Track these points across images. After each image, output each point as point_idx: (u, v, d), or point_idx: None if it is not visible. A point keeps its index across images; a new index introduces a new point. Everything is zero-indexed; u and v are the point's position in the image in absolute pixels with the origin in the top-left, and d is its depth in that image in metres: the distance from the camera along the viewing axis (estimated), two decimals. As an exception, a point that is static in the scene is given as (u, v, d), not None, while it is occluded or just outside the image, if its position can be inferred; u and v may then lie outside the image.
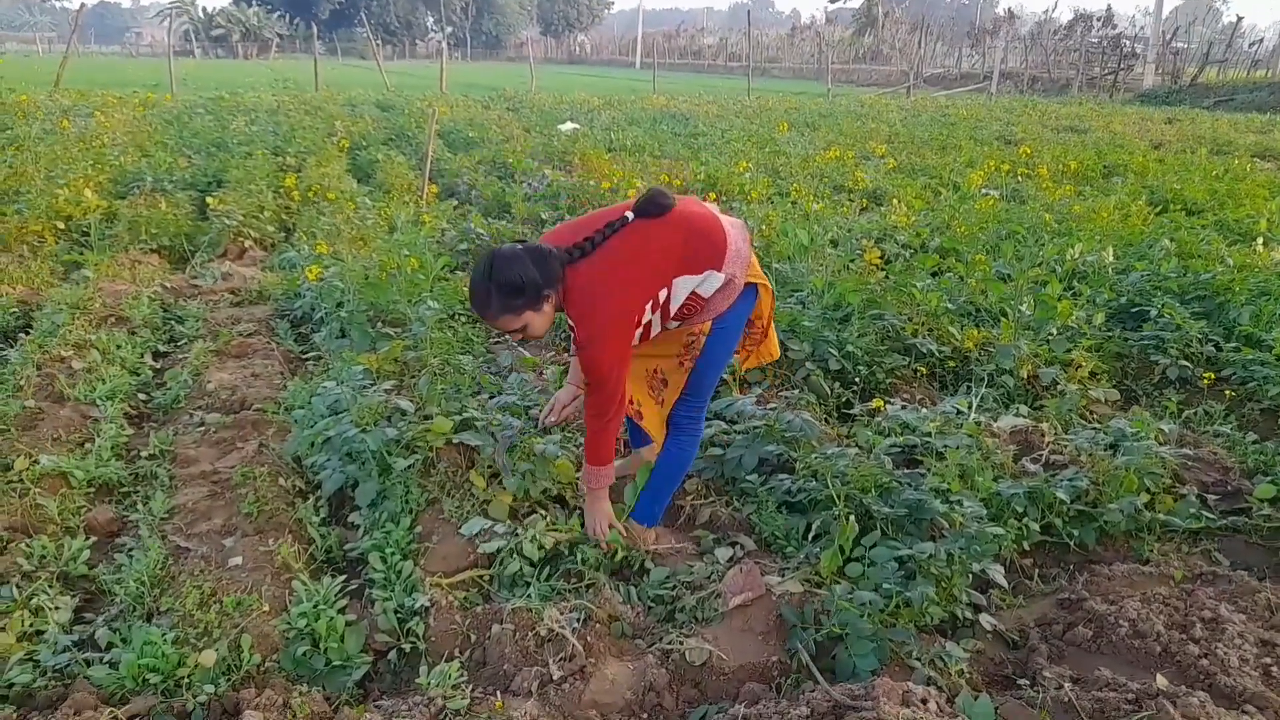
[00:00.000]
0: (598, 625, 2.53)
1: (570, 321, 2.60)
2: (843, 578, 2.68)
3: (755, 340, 2.99)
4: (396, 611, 2.63)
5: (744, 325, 2.87)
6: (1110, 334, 4.82)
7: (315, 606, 2.57)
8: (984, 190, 8.97)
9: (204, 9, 69.90)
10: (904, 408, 3.78)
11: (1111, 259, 5.84)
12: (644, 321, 2.62)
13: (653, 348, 2.87)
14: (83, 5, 26.73)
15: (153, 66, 33.06)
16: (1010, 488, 3.02)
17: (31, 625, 2.55)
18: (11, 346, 4.74)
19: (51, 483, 3.27)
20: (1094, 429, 3.65)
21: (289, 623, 2.53)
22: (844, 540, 2.68)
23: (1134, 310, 5.15)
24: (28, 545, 2.87)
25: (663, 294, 2.61)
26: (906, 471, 3.19)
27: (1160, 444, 3.38)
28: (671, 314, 2.68)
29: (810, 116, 18.16)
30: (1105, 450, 3.35)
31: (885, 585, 2.54)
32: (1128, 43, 35.59)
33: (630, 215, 2.59)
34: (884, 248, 6.43)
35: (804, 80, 42.86)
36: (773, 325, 3.00)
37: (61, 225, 6.86)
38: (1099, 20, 38.22)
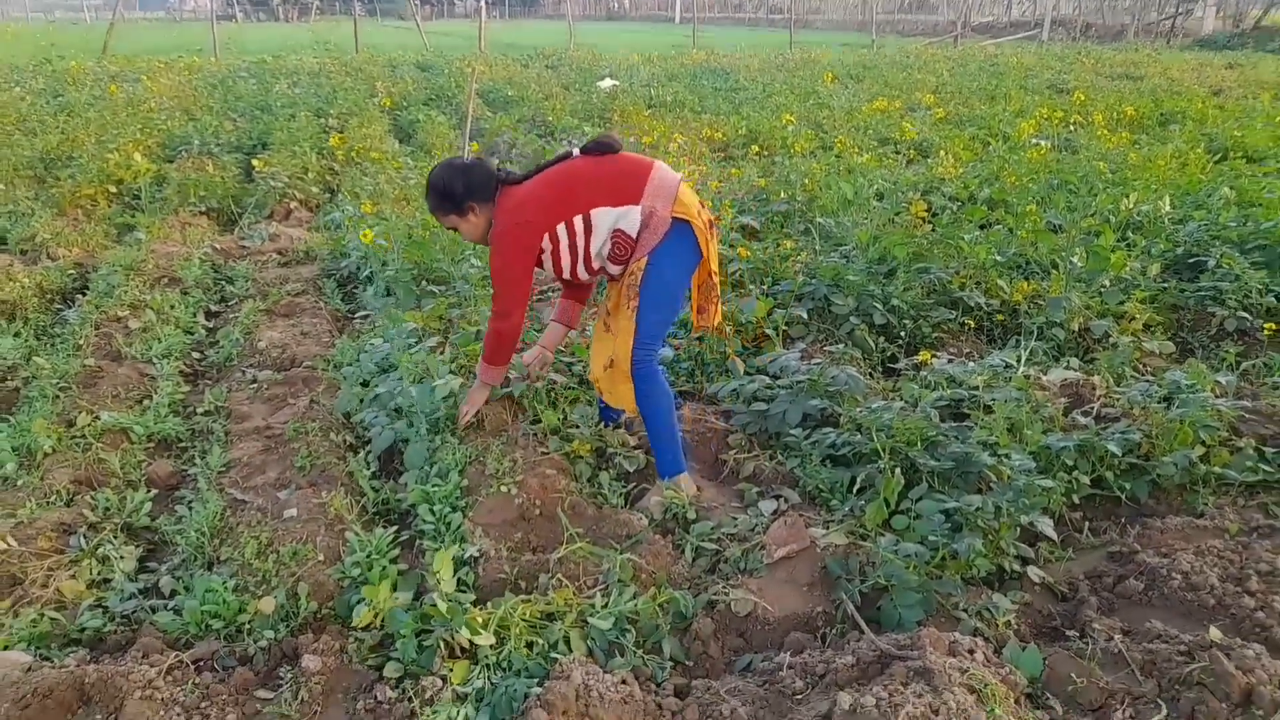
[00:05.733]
0: (643, 576, 2.56)
1: None
2: (888, 530, 2.68)
3: (707, 295, 3.01)
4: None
5: (687, 267, 2.88)
6: (1166, 285, 4.68)
7: (368, 556, 2.64)
8: (1035, 140, 8.72)
9: (244, -28, 70.03)
10: (950, 362, 3.73)
11: (1168, 208, 5.66)
12: (559, 248, 2.82)
13: (610, 301, 3.01)
14: (126, -29, 26.93)
15: (197, 31, 33.30)
16: (1060, 441, 2.98)
17: (99, 573, 2.65)
18: (70, 307, 4.89)
19: (113, 438, 3.38)
20: (1148, 381, 3.57)
21: (343, 571, 2.60)
22: (889, 493, 2.67)
23: (1191, 261, 5.00)
24: (93, 498, 2.98)
25: (578, 222, 2.78)
26: (953, 425, 3.15)
27: (1216, 396, 3.30)
28: (594, 250, 2.84)
29: (855, 68, 17.74)
30: (1159, 403, 3.28)
31: (931, 538, 2.54)
32: (1188, -15, 34.06)
33: (575, 152, 2.87)
34: (930, 200, 6.31)
35: (848, 32, 41.79)
36: (718, 285, 3.03)
37: (113, 189, 7.01)
38: (1158, -38, 36.56)
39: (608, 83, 14.47)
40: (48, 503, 2.91)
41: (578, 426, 3.39)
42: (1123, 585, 2.51)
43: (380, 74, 15.58)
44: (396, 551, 2.76)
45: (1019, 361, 3.77)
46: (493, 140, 9.57)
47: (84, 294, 5.00)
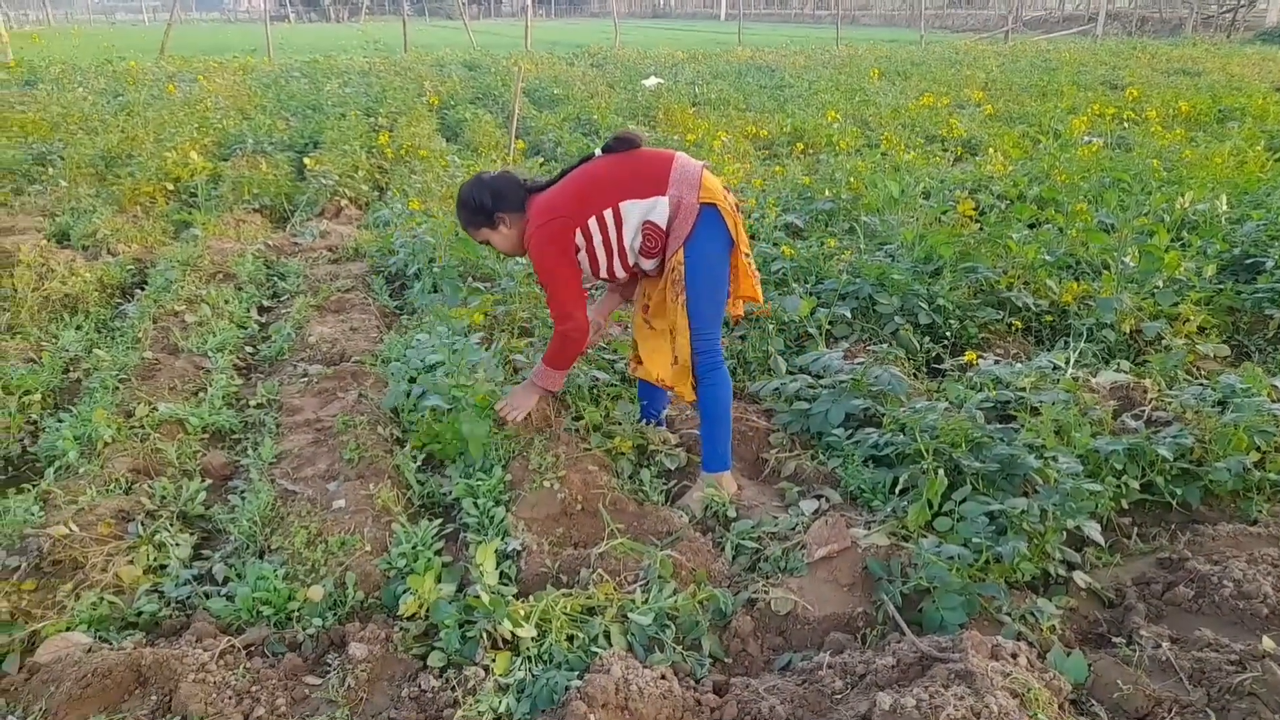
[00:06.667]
0: (683, 573, 2.58)
1: None
2: (930, 532, 2.66)
3: (739, 276, 2.98)
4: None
5: (724, 251, 2.88)
6: (1221, 286, 4.57)
7: (414, 548, 2.69)
8: (1087, 137, 8.55)
9: (296, -27, 71.38)
10: (997, 363, 3.69)
11: (1225, 207, 5.52)
12: (592, 244, 2.85)
13: (647, 298, 3.05)
14: (184, -26, 27.57)
15: (251, 32, 34.03)
16: (1109, 444, 2.93)
17: (156, 560, 2.73)
18: (130, 302, 5.04)
19: (169, 429, 3.48)
20: (1201, 385, 3.49)
21: (389, 562, 2.66)
22: (932, 494, 2.65)
23: (1248, 261, 4.87)
24: (150, 486, 3.07)
25: (608, 215, 2.80)
26: (999, 427, 3.11)
27: (1272, 401, 3.22)
28: (628, 244, 2.86)
29: (902, 65, 17.54)
30: (1213, 407, 3.21)
31: (975, 540, 2.51)
32: (1251, -24, 33.04)
33: (598, 152, 2.90)
34: (978, 198, 6.23)
35: (895, 28, 41.30)
36: (752, 265, 3.01)
37: (170, 186, 7.21)
38: (1219, -47, 35.53)
39: (652, 81, 14.48)
40: (107, 490, 3.01)
41: (619, 423, 3.41)
42: (1172, 592, 2.46)
43: (428, 73, 15.78)
44: (441, 544, 2.81)
45: (1067, 363, 3.71)
46: (538, 138, 9.64)
47: (143, 289, 5.16)
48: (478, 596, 2.33)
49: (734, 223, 2.86)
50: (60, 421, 3.51)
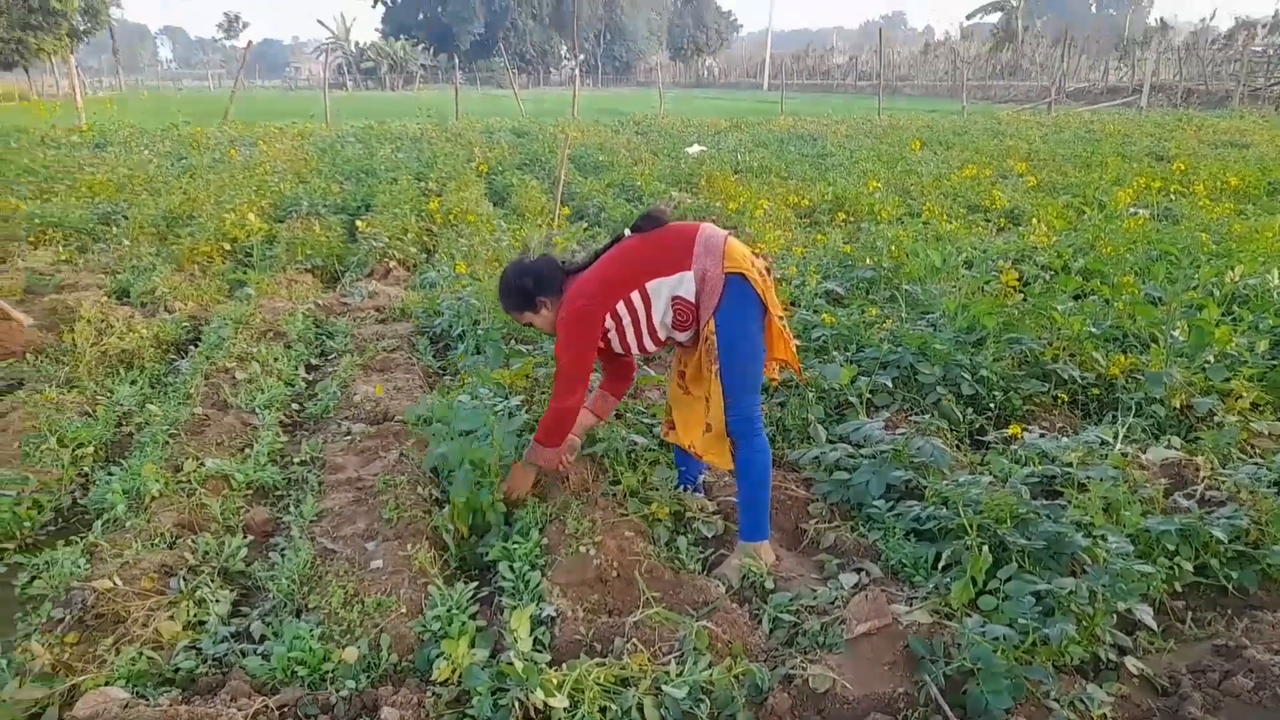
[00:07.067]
0: (719, 645, 2.53)
1: None
2: (975, 610, 2.59)
3: (773, 340, 2.99)
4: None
5: (755, 318, 2.88)
6: (1275, 362, 4.46)
7: (448, 611, 2.68)
8: (1132, 209, 8.49)
9: (356, 43, 74.57)
10: (1043, 436, 3.62)
11: (1277, 281, 5.42)
12: (622, 325, 2.91)
13: (684, 365, 3.09)
14: (249, 43, 29.03)
15: (309, 98, 35.42)
16: (1160, 524, 2.84)
17: (195, 615, 2.76)
18: (183, 358, 5.19)
19: (215, 484, 3.54)
20: (1256, 464, 3.39)
21: (424, 625, 2.65)
22: (976, 571, 2.59)
23: (1304, 337, 4.75)
24: (193, 541, 3.12)
25: (635, 297, 2.86)
26: (1045, 503, 3.04)
27: (1335, 483, 3.11)
28: (658, 321, 2.91)
29: (944, 134, 17.67)
30: (1269, 487, 3.11)
31: (1021, 620, 2.44)
32: (1299, 50, 32.94)
33: (627, 232, 2.97)
34: (1022, 269, 6.19)
35: (937, 98, 41.72)
36: (786, 329, 3.01)
37: (228, 246, 7.46)
38: (1264, 27, 35.57)
39: (695, 149, 14.75)
40: (152, 545, 3.05)
41: (656, 489, 3.40)
42: (1229, 682, 2.36)
43: (478, 139, 16.25)
44: (476, 607, 2.80)
45: (1116, 438, 3.64)
46: (582, 204, 9.83)
47: (196, 345, 5.31)
48: (511, 664, 2.31)
49: (763, 288, 2.88)
50: (110, 475, 3.59)
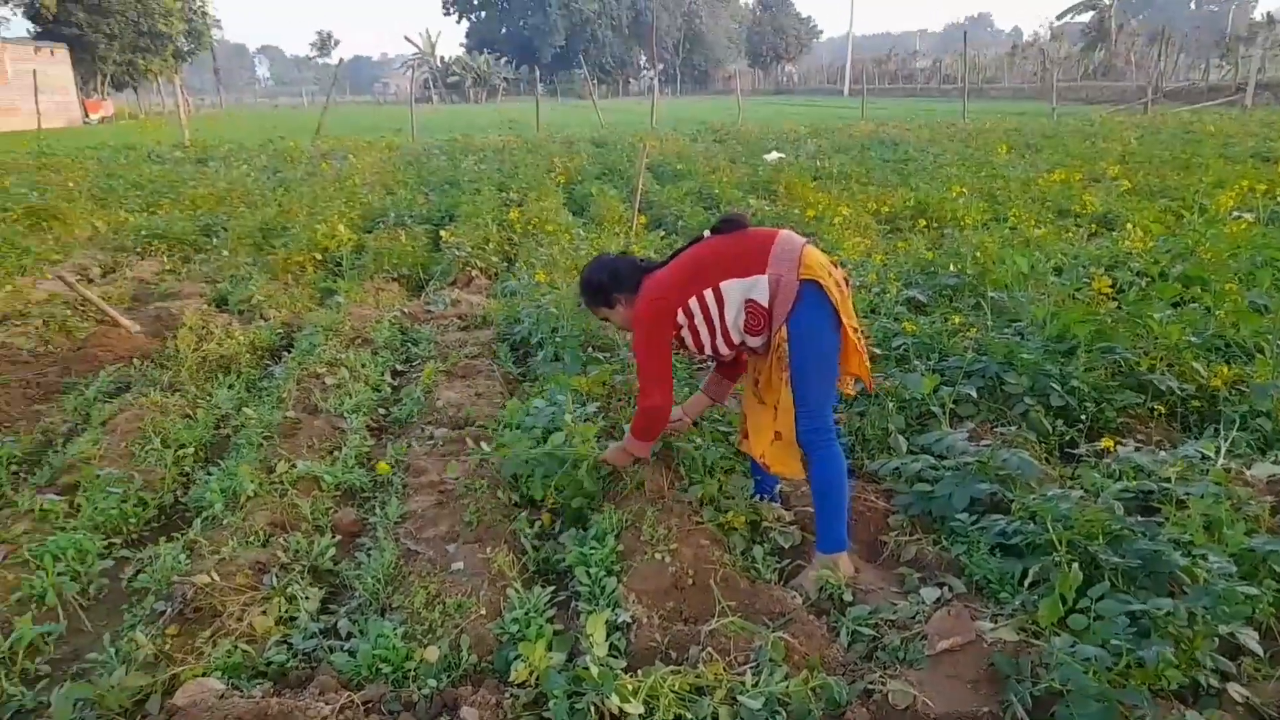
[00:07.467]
0: (796, 656, 2.50)
1: None
2: (1064, 629, 2.49)
3: (847, 353, 2.94)
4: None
5: (828, 327, 2.84)
6: (1398, 375, 4.18)
7: (526, 614, 2.73)
8: (1236, 213, 8.07)
9: (441, 58, 76.58)
10: (1138, 450, 3.47)
11: (1400, 289, 5.08)
12: (694, 323, 2.94)
13: (759, 373, 3.07)
14: (340, 60, 30.14)
15: (397, 113, 36.52)
16: (1267, 544, 2.69)
17: (286, 611, 2.87)
18: (277, 363, 5.40)
19: (306, 485, 3.68)
20: (1376, 483, 3.18)
21: (502, 627, 2.70)
22: (1066, 589, 2.50)
23: None
24: (285, 540, 3.24)
25: (709, 295, 2.87)
26: (1140, 520, 2.92)
27: None
28: (730, 322, 2.91)
29: (1032, 138, 17.14)
30: (1390, 508, 2.92)
31: (1114, 641, 2.34)
32: None
33: (707, 233, 3.00)
34: (1115, 276, 5.95)
35: (1025, 100, 40.47)
36: (860, 342, 2.96)
37: (319, 256, 7.74)
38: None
39: (774, 155, 14.65)
40: (247, 542, 3.19)
41: (732, 497, 3.38)
42: (1345, 714, 2.22)
43: (558, 150, 16.49)
44: (553, 611, 2.84)
45: (1218, 453, 3.46)
46: (660, 213, 9.86)
47: (289, 351, 5.52)
48: (587, 668, 2.33)
49: (839, 298, 2.84)
50: (209, 475, 3.76)
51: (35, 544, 3.15)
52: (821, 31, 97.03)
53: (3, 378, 4.86)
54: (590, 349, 5.12)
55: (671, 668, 2.40)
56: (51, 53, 39.15)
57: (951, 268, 6.12)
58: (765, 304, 2.85)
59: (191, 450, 4.10)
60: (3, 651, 2.65)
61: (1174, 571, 2.61)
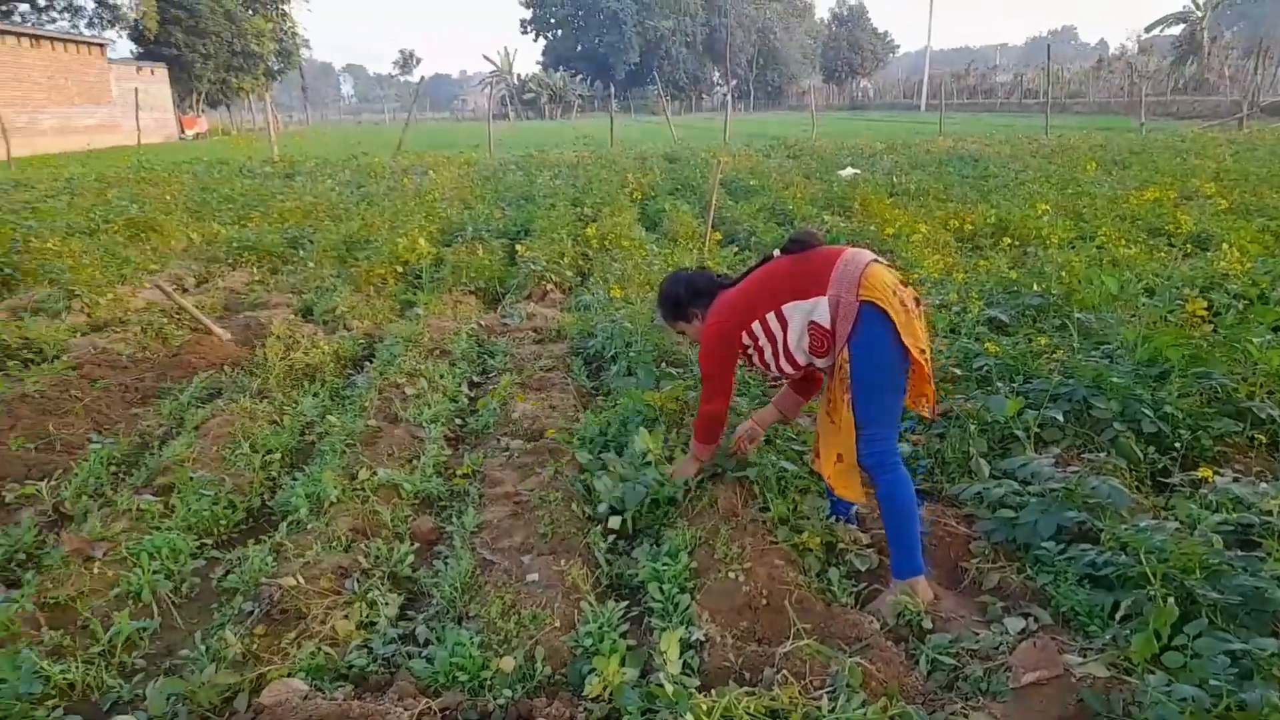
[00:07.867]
0: (873, 683, 2.45)
1: None
2: (1158, 667, 2.40)
3: (913, 378, 2.91)
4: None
5: (888, 350, 2.78)
6: None
7: (600, 628, 2.73)
8: (1344, 233, 7.67)
9: (518, 76, 78.10)
10: (1236, 480, 3.32)
11: None
12: (759, 344, 2.99)
13: (830, 393, 2.99)
14: (422, 78, 30.97)
15: (475, 129, 37.31)
16: (1382, 585, 2.54)
17: (367, 616, 2.93)
18: (359, 373, 5.55)
19: (386, 493, 3.77)
20: None
21: (576, 640, 2.71)
22: (1161, 624, 2.40)
23: None
24: (366, 546, 3.32)
25: (772, 318, 2.92)
26: (1240, 554, 2.78)
27: None
28: (793, 345, 2.93)
29: (1120, 154, 16.59)
30: None
31: (1213, 681, 2.23)
32: None
33: (776, 252, 3.03)
34: (1211, 298, 5.71)
35: (1111, 115, 39.22)
36: (928, 365, 2.89)
37: (400, 269, 7.94)
38: None
39: (849, 171, 14.49)
40: (330, 547, 3.27)
41: (807, 518, 3.34)
42: None
43: (631, 166, 16.60)
44: (626, 626, 2.84)
45: (1325, 486, 3.28)
46: (733, 228, 9.84)
47: (371, 361, 5.68)
48: (661, 686, 2.33)
49: (903, 319, 2.78)
50: (295, 480, 3.88)
51: (133, 542, 3.29)
52: (898, 46, 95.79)
53: (104, 382, 5.10)
54: (663, 364, 5.13)
55: (746, 689, 2.38)
56: (152, 72, 41.29)
57: (1035, 287, 5.96)
58: (827, 325, 2.84)
59: (278, 455, 4.23)
60: (103, 645, 2.78)
61: (1277, 610, 2.48)
